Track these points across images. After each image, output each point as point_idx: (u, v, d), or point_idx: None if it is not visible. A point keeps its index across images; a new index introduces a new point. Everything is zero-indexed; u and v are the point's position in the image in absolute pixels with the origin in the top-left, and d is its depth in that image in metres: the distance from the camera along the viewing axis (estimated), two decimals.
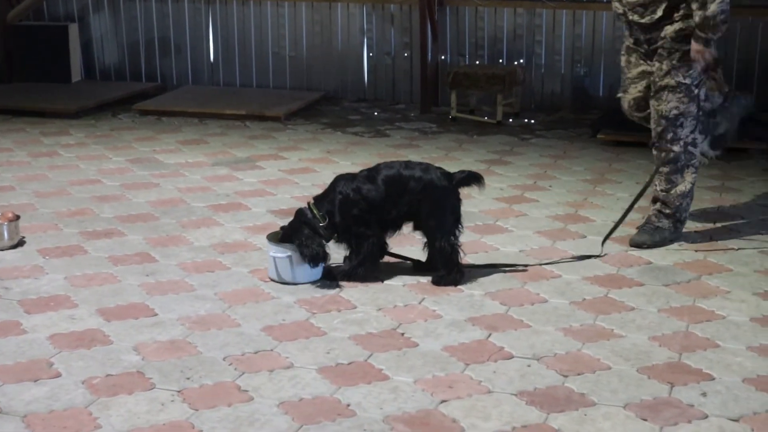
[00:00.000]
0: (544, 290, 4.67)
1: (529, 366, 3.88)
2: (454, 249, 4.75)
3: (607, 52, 8.93)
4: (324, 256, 4.68)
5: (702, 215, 5.85)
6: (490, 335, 4.17)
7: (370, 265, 4.78)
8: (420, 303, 4.52)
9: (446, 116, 8.49)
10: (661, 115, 5.20)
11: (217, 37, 9.83)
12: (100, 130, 8.14)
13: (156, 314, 4.35)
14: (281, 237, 4.80)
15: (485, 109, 8.74)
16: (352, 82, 9.60)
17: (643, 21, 5.13)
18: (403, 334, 4.18)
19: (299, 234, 4.69)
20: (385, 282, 4.77)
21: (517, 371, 3.83)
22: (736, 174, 6.86)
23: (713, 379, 3.78)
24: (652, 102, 5.23)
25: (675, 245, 5.28)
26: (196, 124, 8.42)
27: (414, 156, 6.23)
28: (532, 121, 8.46)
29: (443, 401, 3.59)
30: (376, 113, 8.88)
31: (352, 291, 4.64)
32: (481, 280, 4.80)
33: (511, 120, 8.44)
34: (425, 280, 4.79)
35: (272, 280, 4.78)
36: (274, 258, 4.74)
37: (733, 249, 5.27)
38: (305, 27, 9.59)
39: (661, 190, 5.32)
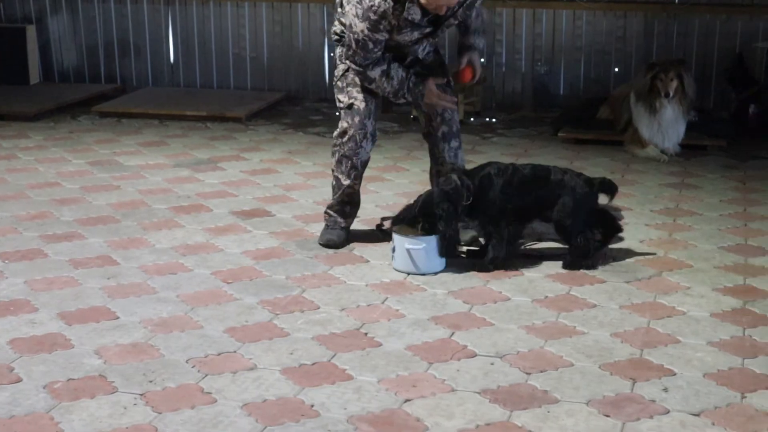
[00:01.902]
0: (507, 288, 4.69)
1: (492, 364, 3.89)
2: (588, 241, 4.97)
3: (567, 50, 8.98)
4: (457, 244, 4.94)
5: (662, 212, 5.90)
6: (453, 334, 4.18)
7: (512, 251, 4.97)
8: (383, 303, 4.52)
9: (407, 116, 8.49)
10: None
11: (177, 38, 9.78)
12: (59, 132, 8.07)
13: (118, 317, 4.33)
14: (419, 206, 4.90)
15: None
16: (314, 82, 9.59)
17: None
18: (366, 334, 4.18)
19: (442, 211, 4.78)
20: (348, 282, 4.77)
21: (480, 369, 3.84)
22: (696, 171, 6.91)
23: (674, 374, 3.82)
24: None
25: (636, 242, 5.32)
26: (157, 125, 8.37)
27: (376, 156, 6.23)
28: (494, 120, 8.48)
29: (407, 400, 3.59)
30: (337, 113, 8.85)
31: (315, 292, 4.64)
32: (444, 278, 4.81)
33: (472, 119, 8.46)
34: (388, 279, 4.80)
35: (399, 271, 4.89)
36: (409, 250, 4.83)
37: (693, 245, 5.31)
38: (266, 27, 9.57)
39: None
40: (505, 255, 4.94)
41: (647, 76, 7.24)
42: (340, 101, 5.16)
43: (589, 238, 5.00)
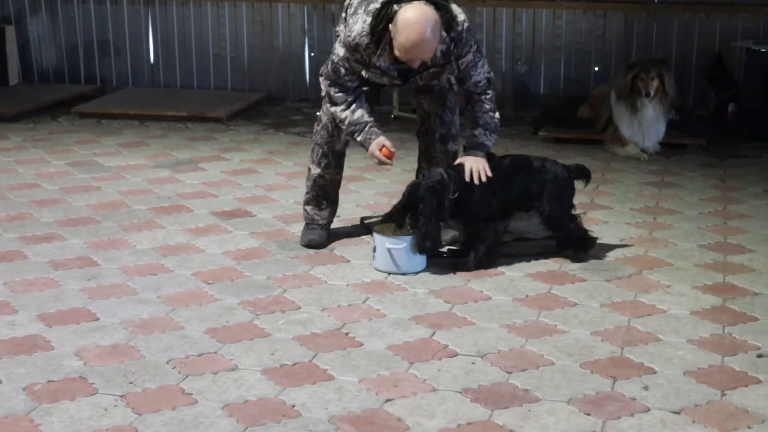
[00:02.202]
0: (487, 287, 4.70)
1: (473, 363, 3.90)
2: (580, 226, 5.09)
3: (547, 49, 9.01)
4: (438, 244, 4.88)
5: (642, 210, 5.92)
6: (434, 333, 4.18)
7: (497, 250, 4.95)
8: (364, 302, 4.52)
9: (388, 115, 8.50)
10: None
11: (156, 39, 9.76)
12: (39, 133, 8.04)
13: (98, 318, 4.31)
14: (404, 197, 4.87)
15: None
16: (294, 82, 9.58)
17: None
18: (347, 333, 4.18)
19: (424, 205, 4.75)
20: (329, 282, 4.77)
21: (461, 368, 3.84)
22: (675, 169, 6.94)
23: (655, 372, 3.83)
24: None
25: (616, 241, 5.33)
26: (137, 126, 8.35)
27: (357, 155, 6.22)
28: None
29: (388, 400, 3.59)
30: (318, 113, 8.83)
31: (296, 292, 4.64)
32: (425, 277, 4.81)
33: None
34: (369, 279, 4.80)
35: (380, 270, 4.88)
36: (390, 249, 4.82)
37: (673, 244, 5.33)
38: (246, 27, 9.55)
39: None
40: (489, 256, 4.94)
41: (628, 76, 7.27)
42: (322, 90, 5.14)
43: (580, 224, 5.08)
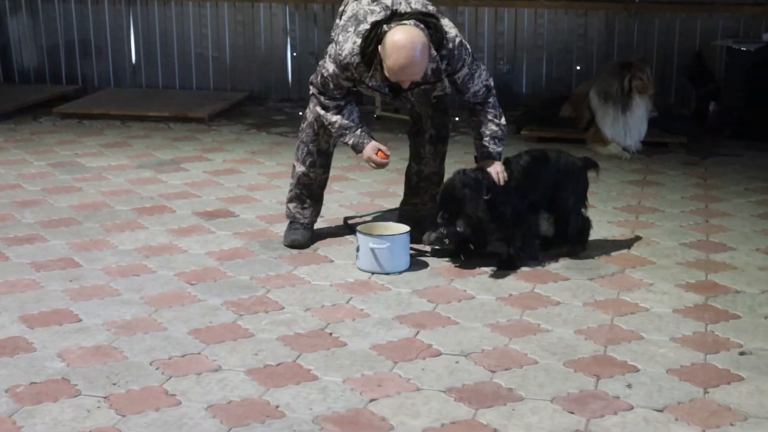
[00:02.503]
0: (471, 287, 4.70)
1: (457, 362, 3.90)
2: (586, 222, 5.17)
3: (529, 49, 9.02)
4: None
5: (624, 209, 5.94)
6: (418, 333, 4.18)
7: (534, 242, 5.04)
8: (348, 302, 4.52)
9: (371, 115, 8.50)
10: None
11: (138, 39, 9.73)
12: (20, 134, 8.00)
13: (80, 320, 4.30)
14: (439, 195, 4.91)
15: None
16: (276, 82, 9.57)
17: None
18: (331, 333, 4.17)
19: (462, 192, 4.79)
20: (313, 282, 4.76)
21: (445, 368, 3.85)
22: (657, 168, 6.97)
23: (638, 370, 3.84)
24: None
25: (599, 239, 5.35)
26: (119, 126, 8.32)
27: (341, 156, 6.22)
28: (456, 119, 8.48)
29: (372, 400, 3.59)
30: (300, 113, 8.80)
31: (279, 292, 4.63)
32: (408, 277, 4.81)
33: None
34: (352, 279, 4.80)
35: (363, 270, 4.89)
36: (374, 249, 4.82)
37: (655, 242, 5.35)
38: (228, 27, 9.54)
39: None
40: (530, 248, 5.01)
41: (624, 77, 7.28)
42: (310, 89, 5.13)
43: (585, 219, 5.16)
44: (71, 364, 3.87)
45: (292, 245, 5.22)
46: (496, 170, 4.89)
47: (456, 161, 5.99)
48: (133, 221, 5.68)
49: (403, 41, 4.49)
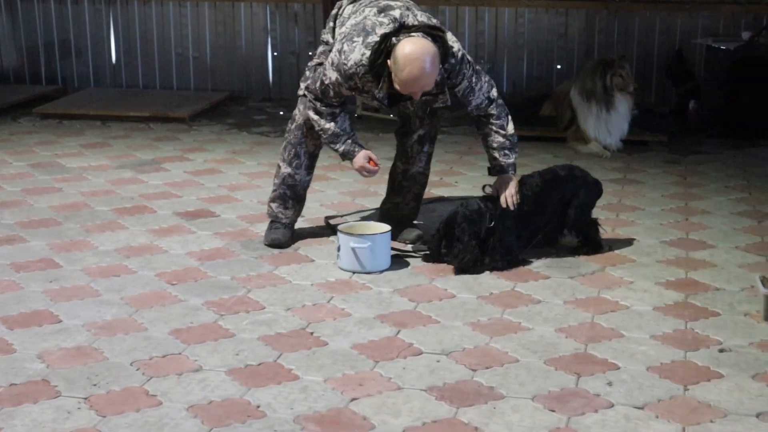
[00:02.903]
0: (452, 285, 4.71)
1: (438, 361, 3.90)
2: (594, 224, 5.24)
3: (510, 48, 9.04)
4: (473, 269, 4.87)
5: (605, 207, 5.94)
6: (399, 332, 4.18)
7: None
8: (329, 302, 4.52)
9: (352, 114, 8.47)
10: None
11: (118, 39, 9.70)
12: (0, 134, 7.96)
13: (60, 321, 4.28)
14: (441, 224, 4.95)
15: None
16: (257, 81, 9.56)
17: None
18: (312, 333, 4.17)
19: (460, 231, 4.82)
20: (294, 282, 4.76)
21: (426, 367, 3.85)
22: (638, 166, 6.99)
23: (618, 368, 3.85)
24: None
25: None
26: (99, 126, 8.29)
27: (321, 155, 6.20)
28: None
29: (354, 399, 3.59)
30: (281, 113, 8.84)
31: (260, 292, 4.63)
32: (390, 276, 4.82)
33: None
34: (333, 278, 4.80)
35: (344, 270, 4.89)
36: (354, 248, 4.83)
37: (635, 240, 5.37)
38: (208, 27, 9.52)
39: None
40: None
41: (606, 75, 7.30)
42: (300, 88, 5.13)
43: (593, 222, 5.23)
44: (51, 365, 3.85)
45: (272, 244, 5.22)
46: (510, 193, 4.96)
47: (437, 160, 5.98)
48: (114, 222, 5.66)
49: (416, 53, 4.50)
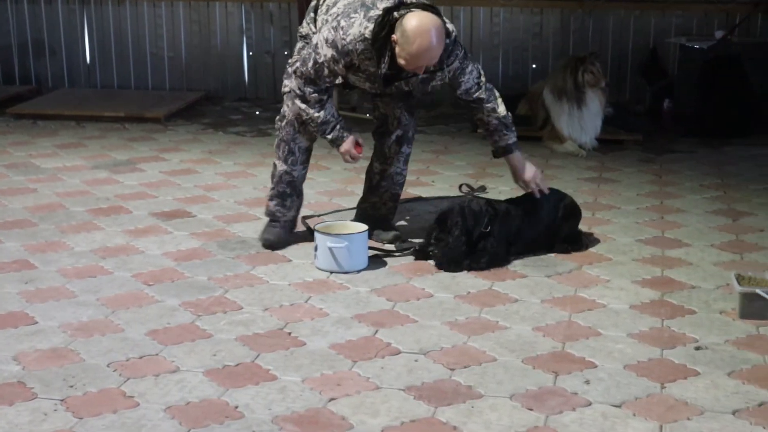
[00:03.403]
0: (429, 285, 4.71)
1: (416, 361, 3.91)
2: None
3: (485, 47, 9.05)
4: (457, 266, 4.87)
5: (581, 206, 5.95)
6: (377, 331, 4.18)
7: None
8: (306, 302, 4.51)
9: None
10: None
11: (92, 39, 9.65)
12: None
13: (36, 322, 4.25)
14: (437, 215, 4.97)
15: (367, 107, 8.73)
16: (233, 81, 9.54)
17: None
18: (290, 333, 4.16)
19: (453, 223, 4.83)
20: (271, 282, 4.75)
21: (404, 366, 3.85)
22: (613, 165, 7.02)
23: (596, 366, 3.86)
24: None
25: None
26: (74, 127, 8.24)
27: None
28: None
29: (332, 399, 3.59)
30: (257, 112, 8.83)
31: (237, 292, 4.61)
32: (367, 276, 4.81)
33: None
34: (311, 278, 4.79)
35: (321, 270, 4.87)
36: (332, 248, 4.81)
37: (612, 239, 5.38)
38: (183, 27, 9.49)
39: None
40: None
41: (578, 71, 7.32)
42: (284, 85, 5.10)
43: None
44: (27, 367, 3.83)
45: (265, 245, 5.19)
46: (537, 179, 5.11)
47: (413, 160, 5.98)
48: (89, 222, 5.63)
49: (426, 25, 4.53)
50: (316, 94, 4.85)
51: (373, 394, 3.63)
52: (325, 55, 4.74)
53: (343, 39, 4.67)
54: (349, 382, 3.72)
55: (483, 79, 5.00)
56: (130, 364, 3.86)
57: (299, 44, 5.13)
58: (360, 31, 4.65)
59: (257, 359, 3.91)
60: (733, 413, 3.51)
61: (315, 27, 5.01)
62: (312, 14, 5.06)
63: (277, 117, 5.20)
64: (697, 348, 4.04)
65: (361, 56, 4.70)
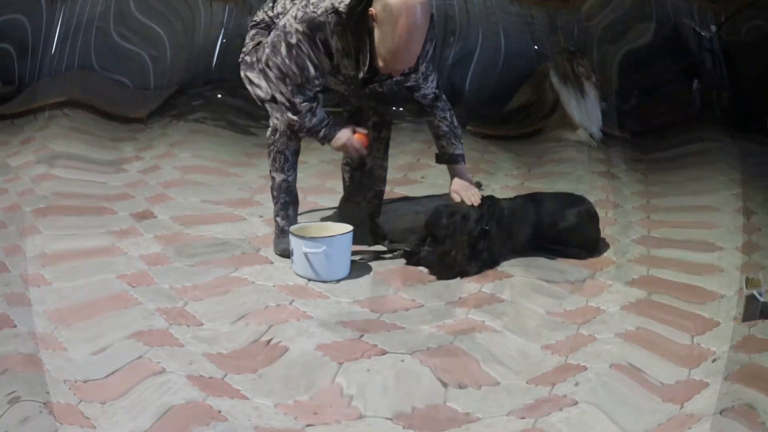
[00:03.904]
0: (420, 296, 4.57)
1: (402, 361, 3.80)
2: None
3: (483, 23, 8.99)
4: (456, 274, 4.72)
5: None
6: (362, 336, 4.07)
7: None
8: (290, 304, 4.39)
9: None
10: None
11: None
12: None
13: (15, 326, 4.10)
14: (427, 217, 4.80)
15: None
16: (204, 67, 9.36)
17: None
18: (269, 341, 4.03)
19: (447, 224, 4.70)
20: (257, 282, 4.63)
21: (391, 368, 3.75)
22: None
23: (586, 369, 3.78)
24: None
25: None
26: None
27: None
28: (401, 109, 8.40)
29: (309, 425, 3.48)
30: (219, 96, 8.62)
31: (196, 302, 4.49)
32: (347, 286, 4.65)
33: None
34: (292, 282, 4.67)
35: (299, 275, 4.64)
36: (307, 254, 4.55)
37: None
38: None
39: None
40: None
41: (572, 61, 7.30)
42: (259, 88, 4.89)
43: None
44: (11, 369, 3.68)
45: (284, 254, 4.95)
46: (468, 194, 4.93)
47: (399, 152, 5.88)
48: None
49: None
50: (306, 103, 4.70)
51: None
52: (296, 33, 4.53)
53: (314, 12, 4.50)
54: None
55: (440, 91, 4.98)
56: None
57: (251, 32, 5.00)
58: (332, 3, 4.50)
59: (226, 378, 3.81)
60: (720, 413, 3.43)
61: (271, 13, 4.91)
62: (270, 3, 4.95)
63: (268, 132, 4.96)
64: (714, 360, 3.93)
65: (336, 29, 4.49)
